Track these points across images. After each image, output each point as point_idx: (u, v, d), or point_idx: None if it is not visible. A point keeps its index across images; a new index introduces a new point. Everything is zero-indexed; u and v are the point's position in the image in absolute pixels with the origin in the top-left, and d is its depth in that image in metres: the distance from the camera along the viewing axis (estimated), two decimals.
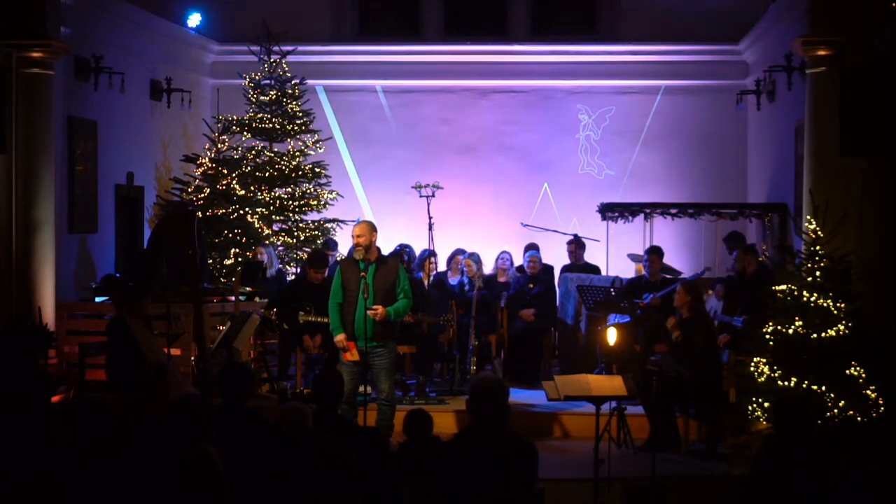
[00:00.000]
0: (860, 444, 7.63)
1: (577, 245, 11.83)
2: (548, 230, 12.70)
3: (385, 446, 5.95)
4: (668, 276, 10.80)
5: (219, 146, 12.43)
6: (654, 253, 10.66)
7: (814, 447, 5.83)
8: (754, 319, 8.91)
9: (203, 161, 12.32)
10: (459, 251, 11.53)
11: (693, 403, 8.89)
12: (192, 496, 4.20)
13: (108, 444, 5.01)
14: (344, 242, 12.69)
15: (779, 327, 8.34)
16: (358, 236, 8.23)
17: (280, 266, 11.93)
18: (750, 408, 8.36)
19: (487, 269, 12.01)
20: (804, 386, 8.04)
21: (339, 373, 7.72)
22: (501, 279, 11.63)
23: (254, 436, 5.64)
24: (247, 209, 12.17)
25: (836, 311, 8.26)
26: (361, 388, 8.25)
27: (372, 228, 8.32)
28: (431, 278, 10.96)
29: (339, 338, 8.21)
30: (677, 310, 9.16)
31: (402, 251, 10.89)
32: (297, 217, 12.66)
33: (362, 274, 8.09)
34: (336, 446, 4.41)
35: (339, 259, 11.08)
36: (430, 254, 11.02)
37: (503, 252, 11.83)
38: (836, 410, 7.95)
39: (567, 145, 13.92)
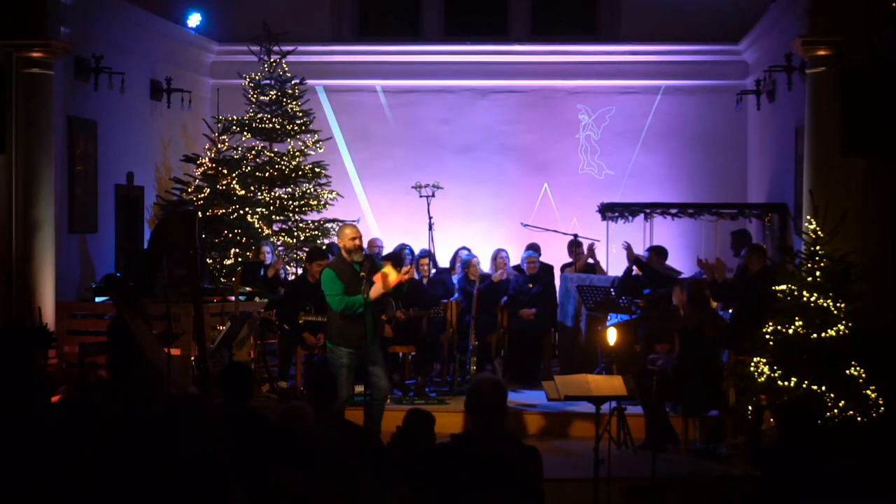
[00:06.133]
0: (860, 444, 7.62)
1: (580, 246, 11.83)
2: (548, 230, 12.69)
3: (385, 446, 5.95)
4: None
5: (219, 146, 12.44)
6: (653, 251, 10.67)
7: (818, 448, 5.81)
8: (747, 318, 8.88)
9: (203, 161, 12.32)
10: (465, 249, 11.54)
11: (693, 403, 8.88)
12: (196, 497, 4.20)
13: (107, 443, 5.00)
14: None
15: (779, 327, 8.33)
16: (359, 238, 8.20)
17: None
18: (750, 408, 8.35)
19: (485, 268, 12.00)
20: (804, 386, 8.04)
21: (332, 372, 7.70)
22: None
23: (255, 435, 5.64)
24: (247, 209, 12.17)
25: (836, 311, 8.25)
26: (360, 389, 8.26)
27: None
28: (431, 276, 10.95)
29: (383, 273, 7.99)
30: (676, 310, 9.14)
31: (402, 251, 10.88)
32: (297, 217, 12.66)
33: (362, 274, 8.04)
34: (336, 446, 4.42)
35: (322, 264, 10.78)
36: (426, 254, 10.99)
37: (499, 249, 11.76)
38: (836, 410, 7.94)
39: (567, 145, 13.92)
